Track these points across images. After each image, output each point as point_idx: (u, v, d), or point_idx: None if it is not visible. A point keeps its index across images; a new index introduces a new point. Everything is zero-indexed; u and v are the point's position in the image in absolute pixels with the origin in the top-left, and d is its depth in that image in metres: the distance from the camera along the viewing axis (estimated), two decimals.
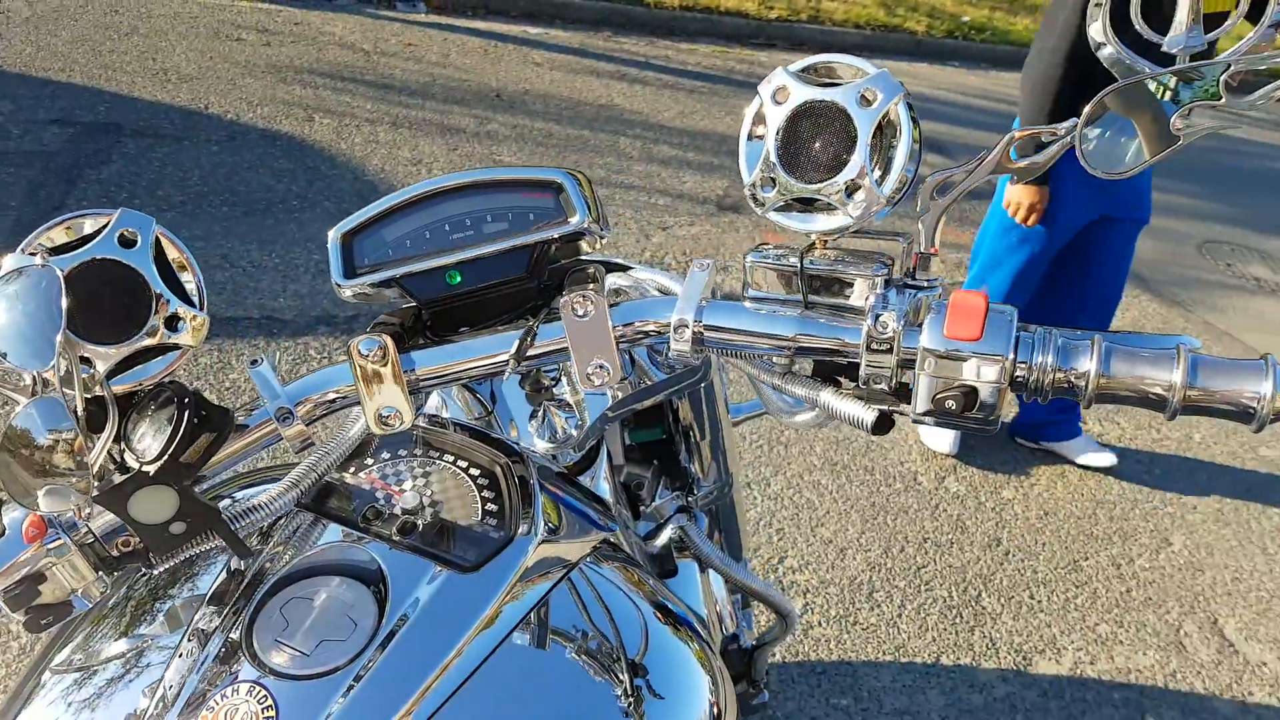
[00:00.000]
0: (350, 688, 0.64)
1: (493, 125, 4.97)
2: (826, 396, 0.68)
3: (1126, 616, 2.49)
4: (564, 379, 1.04)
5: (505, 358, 0.70)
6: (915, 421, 0.64)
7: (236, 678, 0.64)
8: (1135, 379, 0.60)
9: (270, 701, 0.63)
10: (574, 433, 0.98)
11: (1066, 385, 0.61)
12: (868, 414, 0.66)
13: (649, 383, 1.05)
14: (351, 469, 0.79)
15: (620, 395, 1.03)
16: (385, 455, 0.80)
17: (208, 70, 5.04)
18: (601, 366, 0.69)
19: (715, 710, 0.79)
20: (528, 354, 0.70)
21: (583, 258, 0.78)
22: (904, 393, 0.65)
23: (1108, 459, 3.04)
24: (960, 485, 2.88)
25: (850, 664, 2.18)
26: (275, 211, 3.70)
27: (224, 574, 0.76)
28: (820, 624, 2.28)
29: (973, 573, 2.54)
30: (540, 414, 0.98)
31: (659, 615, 0.82)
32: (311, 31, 6.05)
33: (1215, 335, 4.17)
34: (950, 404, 0.61)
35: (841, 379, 0.71)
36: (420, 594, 0.69)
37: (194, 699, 0.65)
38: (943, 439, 2.95)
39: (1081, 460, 3.03)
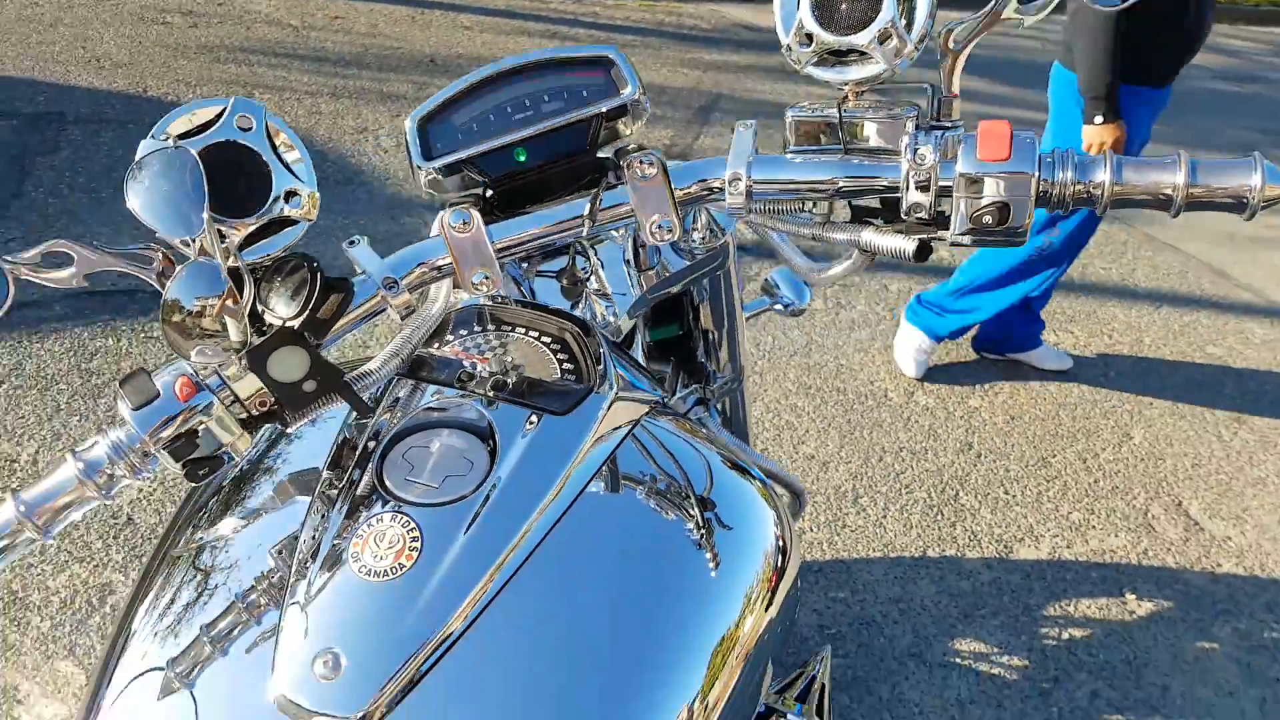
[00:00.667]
0: (478, 513, 0.72)
1: (431, 89, 4.93)
2: (869, 235, 0.76)
3: (1096, 504, 2.63)
4: (593, 277, 1.11)
5: (579, 220, 0.77)
6: (953, 243, 0.72)
7: (376, 512, 0.72)
8: (1145, 184, 0.69)
9: (414, 525, 0.71)
10: (613, 320, 1.06)
11: (1085, 195, 0.70)
12: (909, 244, 0.74)
13: (672, 273, 1.12)
14: (435, 346, 0.86)
15: (647, 286, 1.10)
16: (463, 332, 0.87)
17: (140, 55, 4.96)
18: (663, 225, 0.77)
19: (780, 543, 0.87)
20: (598, 216, 0.77)
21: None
22: (940, 220, 0.73)
23: (1066, 362, 3.20)
24: (929, 399, 3.00)
25: (844, 562, 2.30)
26: None
27: (334, 448, 0.83)
28: (811, 529, 2.38)
29: (949, 475, 2.66)
30: (581, 306, 1.05)
31: (722, 458, 0.90)
32: (236, 11, 5.96)
33: (1157, 247, 4.34)
34: (987, 219, 0.69)
35: (876, 221, 0.78)
36: (523, 436, 0.76)
37: (339, 539, 0.72)
38: (910, 362, 3.05)
39: (1043, 365, 3.17)
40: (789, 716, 1.03)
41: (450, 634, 0.69)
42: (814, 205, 0.79)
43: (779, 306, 1.38)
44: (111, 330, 2.83)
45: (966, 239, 0.72)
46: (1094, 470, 2.77)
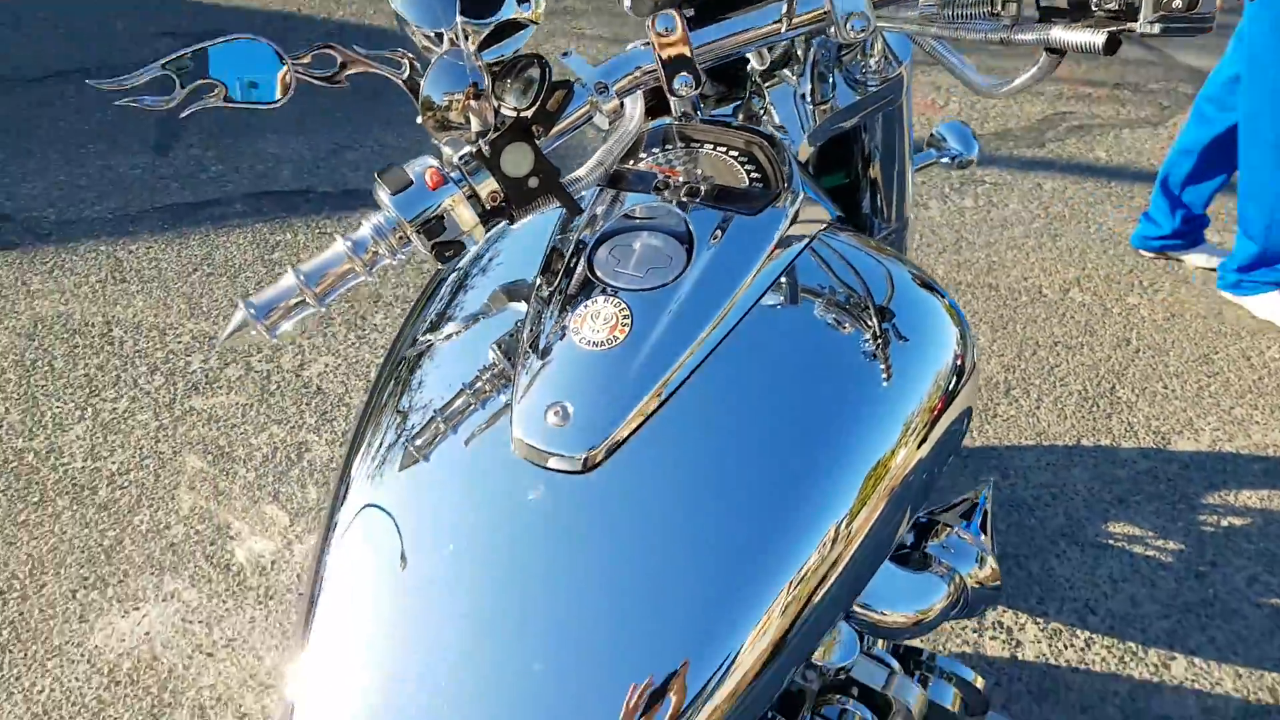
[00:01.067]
0: (679, 298, 0.79)
1: (568, 1, 5.03)
2: (1058, 32, 0.79)
3: (1260, 400, 2.55)
4: (764, 115, 1.15)
5: (775, 24, 0.82)
6: (1143, 35, 0.74)
7: (591, 295, 0.80)
8: None
9: (625, 306, 0.79)
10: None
11: None
12: (1098, 37, 0.76)
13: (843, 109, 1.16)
14: (631, 162, 0.93)
15: (821, 120, 1.14)
16: (655, 149, 0.94)
17: None
18: (857, 25, 0.81)
19: (959, 362, 0.88)
20: (794, 18, 0.82)
21: None
22: (1128, 12, 0.75)
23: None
24: (1085, 295, 2.93)
25: (994, 448, 2.31)
26: (388, 96, 3.84)
27: (545, 257, 0.92)
28: None
29: (1105, 369, 2.62)
30: None
31: (910, 274, 0.93)
32: None
33: None
34: (1176, 3, 0.71)
35: (1063, 19, 0.81)
36: (716, 234, 0.83)
37: (560, 319, 0.81)
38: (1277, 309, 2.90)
39: (1207, 264, 3.05)
40: (956, 529, 1.08)
41: (657, 398, 0.78)
42: (1001, 7, 0.81)
43: (945, 160, 1.40)
44: (288, 226, 3.03)
45: (1156, 27, 0.73)
46: (1259, 367, 2.68)
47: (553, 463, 0.76)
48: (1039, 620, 1.93)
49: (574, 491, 0.76)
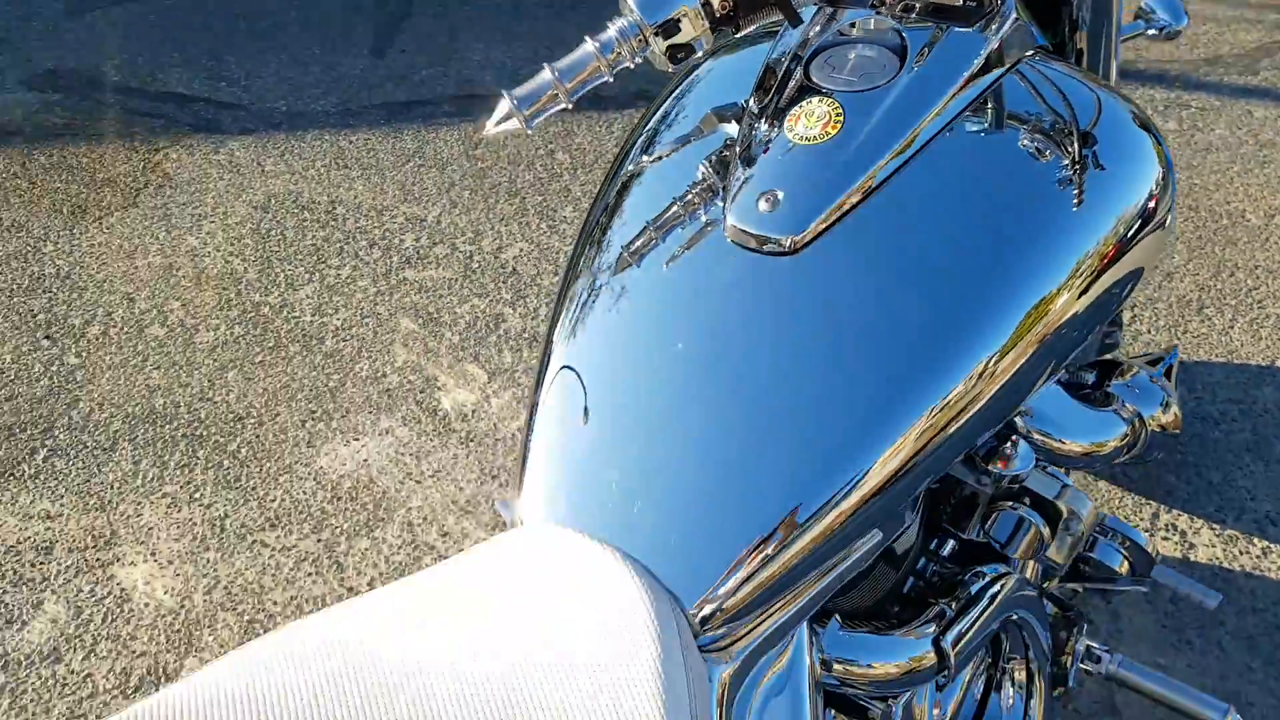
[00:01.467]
0: (891, 99, 0.86)
1: None
2: None
3: None
4: None
5: None
6: None
7: (806, 96, 0.88)
8: None
9: (838, 105, 0.87)
10: None
11: None
12: None
13: None
14: None
15: None
16: None
17: None
18: None
19: (1152, 204, 0.91)
20: None
21: None
22: None
23: None
24: None
25: (1182, 362, 2.26)
26: (585, 9, 3.97)
27: (758, 77, 1.00)
28: (1149, 331, 2.36)
29: None
30: None
31: (1116, 101, 0.97)
32: None
33: None
34: None
35: None
36: (929, 44, 0.89)
37: (775, 118, 0.89)
38: None
39: None
40: (1141, 373, 1.11)
41: (860, 192, 0.85)
42: None
43: (1152, 31, 1.40)
44: None
45: None
46: None
47: (762, 245, 0.85)
48: (1215, 526, 1.92)
49: (781, 272, 0.85)
